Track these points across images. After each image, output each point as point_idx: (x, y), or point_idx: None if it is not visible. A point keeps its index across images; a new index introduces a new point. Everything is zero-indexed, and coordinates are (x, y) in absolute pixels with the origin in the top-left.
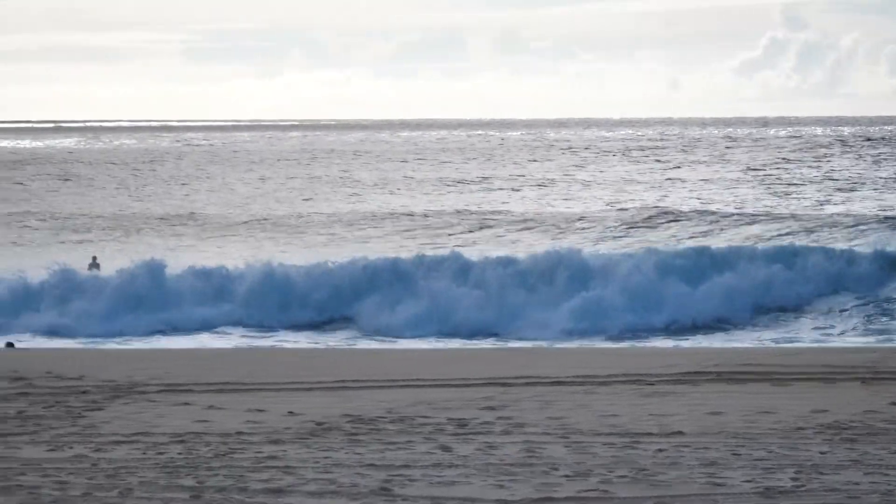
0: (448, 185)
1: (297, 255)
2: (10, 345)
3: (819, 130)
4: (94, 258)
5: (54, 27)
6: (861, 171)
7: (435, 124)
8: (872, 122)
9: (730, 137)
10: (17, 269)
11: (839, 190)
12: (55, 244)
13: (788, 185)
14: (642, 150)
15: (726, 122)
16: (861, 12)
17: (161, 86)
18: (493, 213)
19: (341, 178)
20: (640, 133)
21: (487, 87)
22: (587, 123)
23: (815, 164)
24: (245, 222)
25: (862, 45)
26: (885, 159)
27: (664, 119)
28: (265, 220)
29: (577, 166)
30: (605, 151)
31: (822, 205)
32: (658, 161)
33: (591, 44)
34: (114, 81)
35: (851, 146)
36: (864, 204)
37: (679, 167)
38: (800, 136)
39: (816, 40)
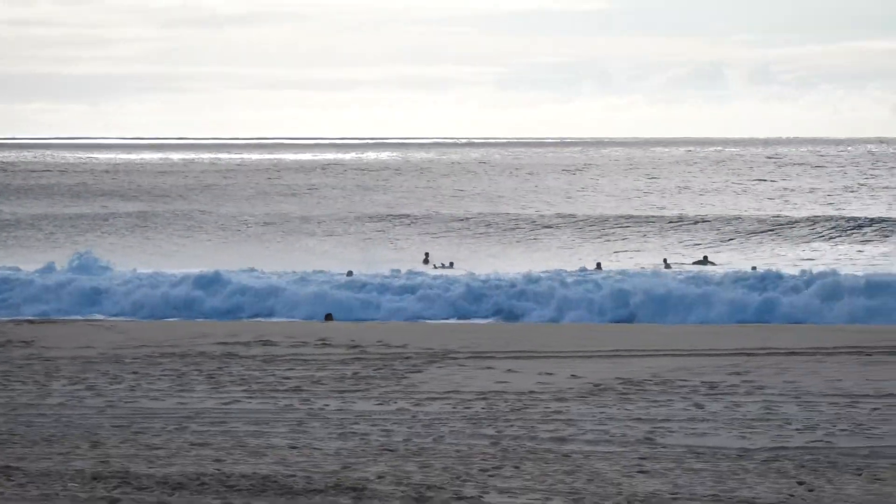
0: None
1: None
2: (328, 317)
3: None
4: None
5: (393, 62)
6: None
7: (706, 142)
8: None
9: None
10: None
11: None
12: None
13: None
14: None
15: None
16: None
17: (477, 109)
18: None
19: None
20: None
21: (742, 111)
22: (836, 142)
23: None
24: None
25: None
26: None
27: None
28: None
29: None
30: None
31: None
32: None
33: (829, 76)
34: (441, 104)
35: None
36: None
37: None
38: None
39: None
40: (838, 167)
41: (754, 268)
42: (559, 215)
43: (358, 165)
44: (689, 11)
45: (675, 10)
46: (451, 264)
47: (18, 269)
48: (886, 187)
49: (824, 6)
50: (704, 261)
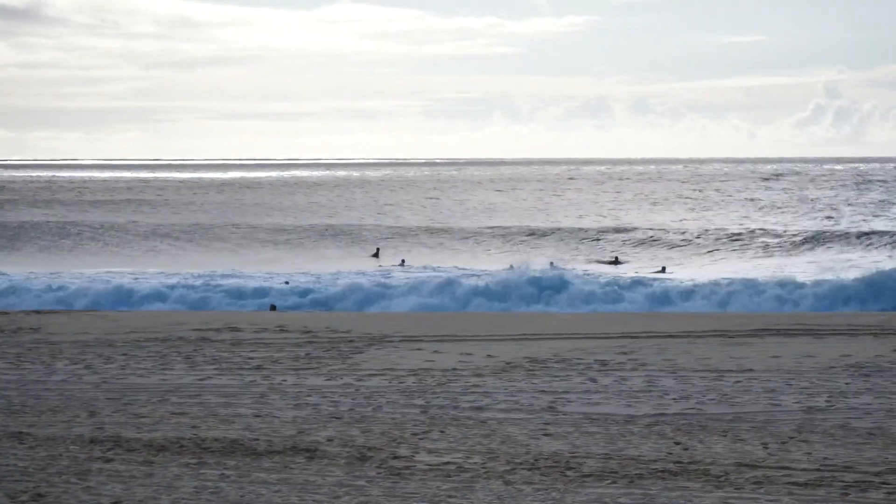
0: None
1: None
2: (273, 307)
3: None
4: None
5: (334, 97)
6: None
7: (595, 162)
8: (885, 160)
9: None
10: None
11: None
12: None
13: None
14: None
15: (793, 161)
16: (877, 86)
17: (404, 135)
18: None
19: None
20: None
21: (623, 137)
22: (701, 161)
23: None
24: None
25: (877, 109)
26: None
27: (746, 158)
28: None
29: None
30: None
31: None
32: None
33: (696, 108)
34: (371, 132)
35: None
36: None
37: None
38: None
39: (846, 105)
40: (705, 182)
41: (663, 269)
42: (486, 227)
43: (279, 182)
44: (580, 56)
45: (568, 55)
46: (403, 262)
47: None
48: (744, 199)
49: (689, 51)
50: (615, 261)
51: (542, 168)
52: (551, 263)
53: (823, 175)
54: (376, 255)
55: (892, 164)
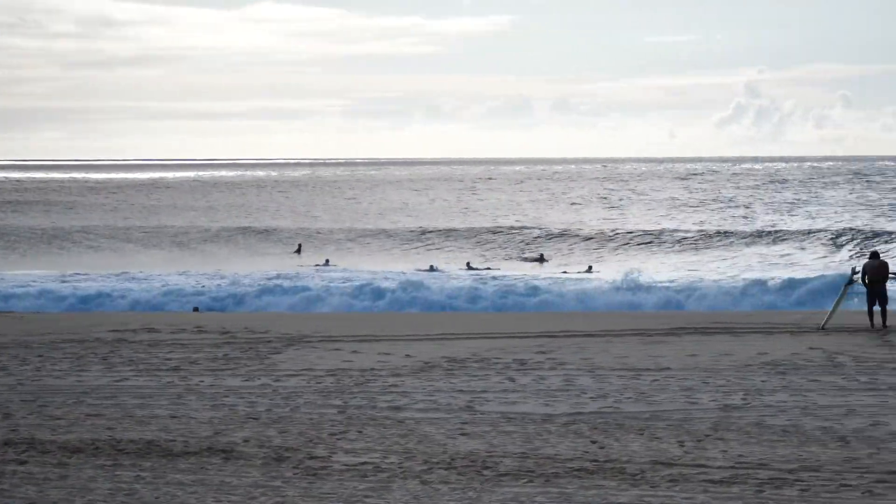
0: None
1: None
2: (195, 309)
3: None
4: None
5: (257, 97)
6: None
7: (515, 161)
8: (803, 159)
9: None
10: None
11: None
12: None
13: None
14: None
15: (712, 160)
16: (797, 86)
17: (326, 135)
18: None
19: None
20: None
21: (546, 136)
22: (621, 161)
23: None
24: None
25: (797, 109)
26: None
27: (666, 158)
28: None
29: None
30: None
31: None
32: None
33: (618, 107)
34: (294, 132)
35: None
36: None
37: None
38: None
39: (767, 105)
40: (622, 182)
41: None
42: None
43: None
44: (503, 55)
45: (491, 54)
46: (327, 262)
47: None
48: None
49: (611, 51)
50: (540, 259)
51: (463, 168)
52: (431, 267)
53: (741, 174)
54: (298, 251)
55: (808, 164)
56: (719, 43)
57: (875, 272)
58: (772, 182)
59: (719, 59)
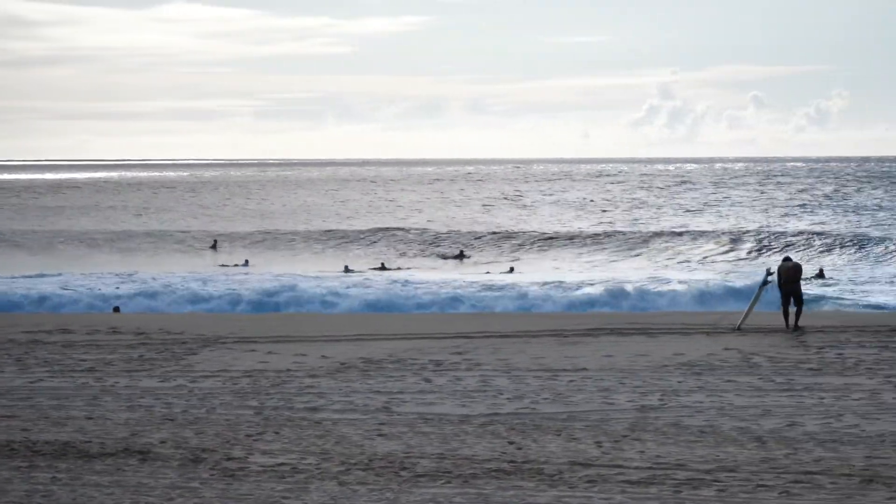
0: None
1: None
2: (116, 309)
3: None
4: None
5: (168, 97)
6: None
7: (429, 162)
8: (714, 160)
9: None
10: None
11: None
12: None
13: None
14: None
15: (624, 161)
16: (710, 87)
17: (238, 136)
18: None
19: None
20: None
21: (460, 137)
22: (539, 161)
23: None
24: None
25: (710, 110)
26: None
27: (580, 159)
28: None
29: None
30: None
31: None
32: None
33: (532, 108)
34: (206, 132)
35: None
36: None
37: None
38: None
39: (680, 106)
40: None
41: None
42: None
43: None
44: (416, 55)
45: (404, 55)
46: (247, 262)
47: None
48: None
49: (525, 52)
50: (460, 256)
51: (377, 169)
52: (345, 268)
53: (652, 175)
54: (214, 246)
55: (719, 164)
56: (631, 44)
57: (789, 273)
58: (683, 182)
59: (632, 60)
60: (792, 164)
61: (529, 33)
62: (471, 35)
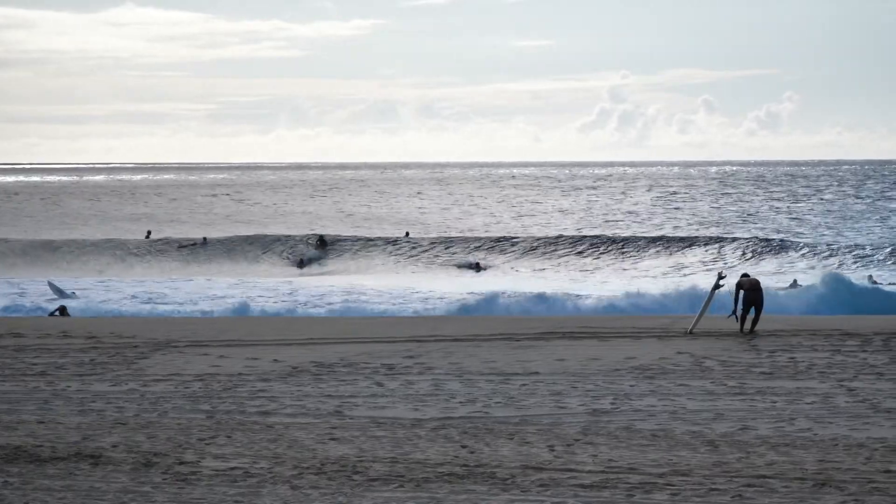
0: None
1: None
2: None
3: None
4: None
5: (121, 101)
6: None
7: (378, 166)
8: (665, 164)
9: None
10: None
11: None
12: None
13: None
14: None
15: (578, 165)
16: (662, 91)
17: (190, 140)
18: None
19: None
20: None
21: (411, 141)
22: (492, 165)
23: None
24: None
25: (661, 114)
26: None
27: (533, 162)
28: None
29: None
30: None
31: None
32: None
33: (483, 111)
34: (160, 136)
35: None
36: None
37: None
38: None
39: (631, 110)
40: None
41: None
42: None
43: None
44: (367, 59)
45: (355, 58)
46: (205, 240)
47: None
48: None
49: (476, 55)
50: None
51: (331, 172)
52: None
53: (605, 178)
54: (147, 236)
55: (676, 168)
56: (583, 48)
57: (752, 283)
58: (642, 186)
59: (581, 64)
60: (745, 168)
61: (478, 37)
62: (421, 39)
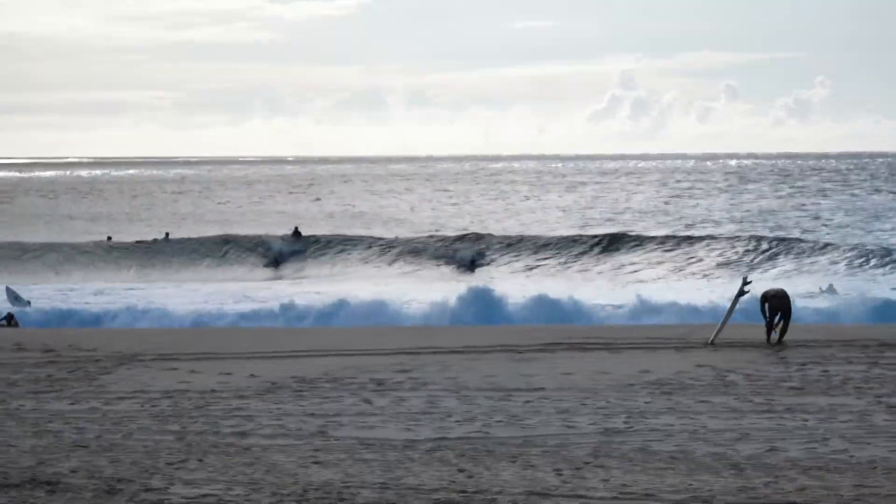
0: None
1: None
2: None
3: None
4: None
5: (79, 88)
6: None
7: (365, 160)
8: (682, 157)
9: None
10: None
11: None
12: None
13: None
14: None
15: (586, 158)
16: (679, 76)
17: (156, 131)
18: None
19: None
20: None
21: (400, 132)
22: (490, 159)
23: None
24: None
25: (678, 101)
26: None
27: (535, 155)
28: None
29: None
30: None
31: None
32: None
33: (479, 99)
34: (122, 127)
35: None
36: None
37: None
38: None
39: (644, 97)
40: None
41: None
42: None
43: None
44: (351, 43)
45: (338, 42)
46: (167, 235)
47: None
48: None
49: (471, 38)
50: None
51: (315, 167)
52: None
53: (610, 173)
54: (109, 239)
55: (692, 162)
56: (589, 28)
57: (778, 291)
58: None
59: (589, 47)
60: (772, 161)
61: (474, 17)
62: (410, 20)
